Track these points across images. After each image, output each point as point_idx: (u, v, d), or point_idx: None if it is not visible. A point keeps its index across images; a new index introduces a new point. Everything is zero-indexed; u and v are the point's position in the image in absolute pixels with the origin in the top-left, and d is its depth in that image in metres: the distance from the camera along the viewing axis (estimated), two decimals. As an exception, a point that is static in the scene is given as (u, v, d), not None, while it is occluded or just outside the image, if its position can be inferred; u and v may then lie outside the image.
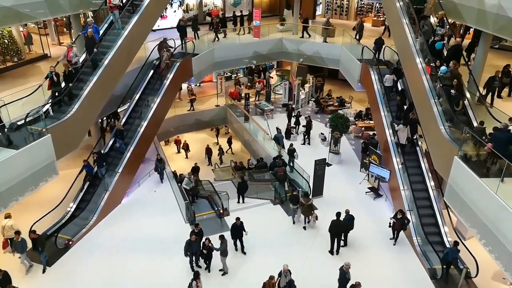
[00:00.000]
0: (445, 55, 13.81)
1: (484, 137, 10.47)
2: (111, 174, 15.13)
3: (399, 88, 17.34)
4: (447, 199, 11.56)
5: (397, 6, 16.45)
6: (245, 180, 16.53)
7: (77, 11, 17.36)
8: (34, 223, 13.00)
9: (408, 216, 13.48)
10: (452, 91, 12.23)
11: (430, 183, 14.25)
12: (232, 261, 12.71)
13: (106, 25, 16.42)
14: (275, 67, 30.91)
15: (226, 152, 24.14)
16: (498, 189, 9.06)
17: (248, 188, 16.39)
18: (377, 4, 29.79)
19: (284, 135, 19.75)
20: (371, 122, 21.08)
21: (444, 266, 11.81)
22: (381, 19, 28.60)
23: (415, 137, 15.36)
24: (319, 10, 31.86)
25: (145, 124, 16.47)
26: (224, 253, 12.15)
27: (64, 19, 24.55)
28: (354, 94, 24.68)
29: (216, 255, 12.23)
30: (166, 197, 16.08)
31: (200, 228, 12.74)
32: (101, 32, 15.79)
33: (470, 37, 19.17)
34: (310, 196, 15.79)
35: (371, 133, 20.00)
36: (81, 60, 14.45)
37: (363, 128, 21.19)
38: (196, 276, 10.92)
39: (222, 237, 12.12)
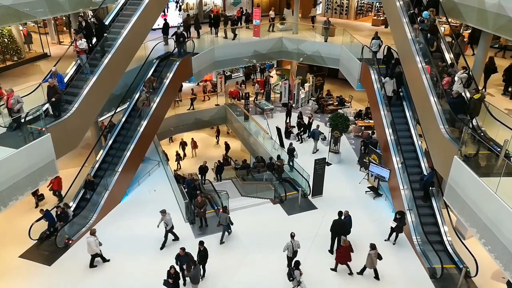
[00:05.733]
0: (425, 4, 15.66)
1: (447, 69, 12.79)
2: (111, 173, 15.10)
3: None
4: (446, 198, 11.56)
5: (397, 6, 16.45)
6: (222, 163, 20.36)
7: (77, 10, 17.35)
8: (34, 223, 13.02)
9: (408, 216, 13.54)
10: (428, 34, 14.37)
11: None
12: (232, 260, 12.72)
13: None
14: (275, 66, 30.91)
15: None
16: (497, 188, 9.06)
17: (246, 188, 16.80)
18: (377, 3, 29.77)
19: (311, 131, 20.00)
20: (371, 121, 21.07)
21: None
22: (381, 18, 28.60)
23: (400, 89, 16.59)
24: (319, 10, 31.88)
25: (144, 123, 16.44)
26: (194, 280, 11.18)
27: (64, 18, 24.57)
28: (354, 94, 24.68)
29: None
30: (166, 197, 16.05)
31: (205, 247, 11.86)
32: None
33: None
34: (310, 196, 15.97)
35: (370, 132, 20.03)
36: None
37: (363, 128, 21.18)
38: (297, 264, 10.92)
39: (194, 262, 11.23)
